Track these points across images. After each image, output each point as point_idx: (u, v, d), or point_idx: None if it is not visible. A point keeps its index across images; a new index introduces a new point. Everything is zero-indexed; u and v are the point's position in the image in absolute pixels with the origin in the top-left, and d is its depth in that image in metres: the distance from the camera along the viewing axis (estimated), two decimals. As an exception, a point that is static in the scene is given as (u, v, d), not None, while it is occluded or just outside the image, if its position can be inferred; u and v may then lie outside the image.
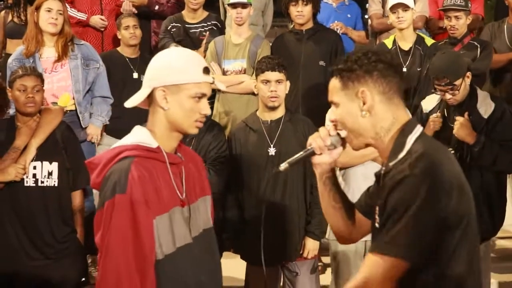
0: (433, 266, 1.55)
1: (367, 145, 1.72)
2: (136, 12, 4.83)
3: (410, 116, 1.69)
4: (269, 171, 3.11)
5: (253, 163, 3.16)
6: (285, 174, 3.06)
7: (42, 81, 3.15)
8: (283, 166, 1.81)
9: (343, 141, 1.78)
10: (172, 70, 1.82)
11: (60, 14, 3.74)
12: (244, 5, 4.06)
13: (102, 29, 4.71)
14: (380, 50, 1.73)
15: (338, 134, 1.77)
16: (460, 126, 3.06)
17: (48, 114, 3.14)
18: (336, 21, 4.76)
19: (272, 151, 3.14)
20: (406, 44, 4.01)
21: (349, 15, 4.94)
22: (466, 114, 3.11)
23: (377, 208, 1.66)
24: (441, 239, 1.53)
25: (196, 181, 1.96)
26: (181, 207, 1.85)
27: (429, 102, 3.35)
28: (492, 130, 3.13)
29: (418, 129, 1.67)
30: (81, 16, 4.68)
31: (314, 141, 1.79)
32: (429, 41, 4.09)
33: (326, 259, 3.67)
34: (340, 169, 3.26)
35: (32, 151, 3.02)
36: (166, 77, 1.82)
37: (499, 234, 3.67)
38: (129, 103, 1.88)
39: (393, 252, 1.53)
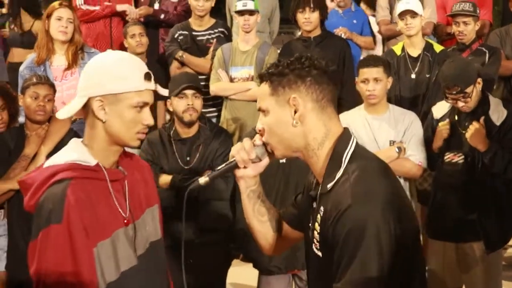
0: None
1: (294, 154, 1.59)
2: (142, 20, 4.86)
3: (342, 127, 1.58)
4: (280, 179, 3.10)
5: (264, 171, 3.14)
6: (296, 181, 3.05)
7: (54, 91, 3.17)
8: (202, 180, 1.67)
9: (269, 154, 1.64)
10: (110, 77, 1.62)
11: (70, 22, 3.76)
12: (251, 12, 4.06)
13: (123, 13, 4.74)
14: (315, 56, 1.59)
15: (264, 145, 1.62)
16: (474, 133, 3.02)
17: (57, 122, 3.16)
18: (340, 27, 4.76)
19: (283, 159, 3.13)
20: (415, 50, 3.99)
21: (355, 21, 4.96)
22: (482, 120, 3.07)
23: (315, 232, 1.55)
24: (399, 263, 1.42)
25: (142, 193, 1.79)
26: (125, 226, 1.69)
27: (440, 109, 3.33)
28: (504, 137, 3.10)
29: (352, 143, 1.55)
30: (106, 3, 4.71)
31: (238, 153, 1.64)
32: (437, 47, 4.07)
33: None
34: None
35: (41, 159, 3.04)
36: (103, 85, 1.62)
37: (510, 242, 3.64)
38: (62, 114, 1.70)
39: None
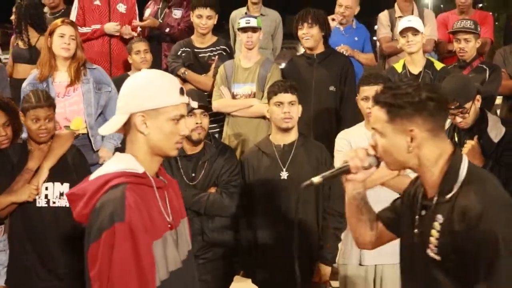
0: None
1: (405, 169, 1.78)
2: (135, 35, 4.90)
3: (453, 147, 1.75)
4: (281, 196, 3.11)
5: (266, 187, 3.16)
6: (297, 197, 3.05)
7: (54, 108, 3.18)
8: (316, 179, 1.82)
9: (379, 161, 1.81)
10: (150, 94, 1.79)
11: (73, 39, 3.80)
12: (254, 29, 4.09)
13: (117, 34, 4.79)
14: (430, 85, 1.76)
15: (376, 156, 1.79)
16: (470, 150, 3.05)
17: (60, 138, 3.19)
18: (342, 44, 4.79)
19: (284, 175, 3.14)
20: (416, 68, 4.02)
21: (356, 38, 4.98)
22: (475, 138, 3.10)
23: (431, 238, 1.69)
24: None
25: (177, 204, 1.95)
26: (170, 230, 1.84)
27: None
28: (502, 154, 3.11)
29: (465, 158, 1.72)
30: (94, 26, 4.76)
31: (352, 160, 1.81)
32: (438, 65, 4.11)
33: (335, 283, 3.65)
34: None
35: (44, 173, 3.06)
36: (144, 101, 1.79)
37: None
38: (105, 130, 1.84)
39: None
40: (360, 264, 3.18)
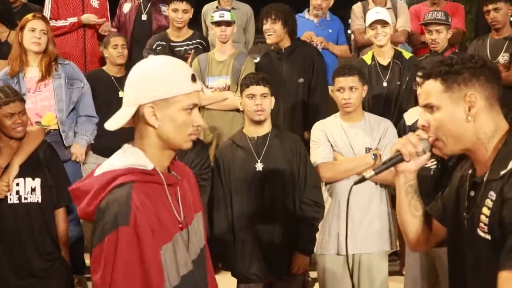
0: None
1: (462, 151, 1.68)
2: (114, 31, 4.85)
3: (508, 124, 1.67)
4: (257, 187, 3.11)
5: (241, 180, 3.15)
6: (273, 190, 3.07)
7: (24, 102, 3.15)
8: (368, 174, 1.72)
9: (432, 146, 1.70)
10: (159, 83, 1.62)
11: (44, 33, 3.76)
12: (228, 23, 4.08)
13: (94, 23, 4.75)
14: (483, 56, 1.74)
15: (427, 140, 1.69)
16: None
17: (30, 134, 3.14)
18: (316, 37, 4.80)
19: (259, 166, 3.14)
20: (385, 59, 4.03)
21: (330, 30, 4.99)
22: None
23: (482, 216, 1.61)
24: None
25: (191, 198, 1.80)
26: (180, 230, 1.68)
27: (411, 115, 3.38)
28: None
29: None
30: (71, 20, 4.70)
31: (404, 147, 1.71)
32: (407, 54, 4.13)
33: (314, 274, 3.66)
34: (326, 184, 3.28)
35: (15, 169, 3.02)
36: (153, 91, 1.61)
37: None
38: (112, 125, 1.66)
39: None
40: (338, 254, 3.20)
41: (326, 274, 3.26)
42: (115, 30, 4.90)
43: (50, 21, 4.67)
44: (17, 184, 3.03)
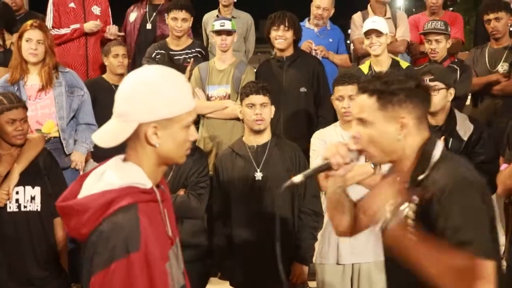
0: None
1: (389, 162, 1.79)
2: (122, 34, 4.85)
3: (429, 132, 1.77)
4: (256, 195, 3.10)
5: (240, 188, 3.15)
6: (272, 199, 3.06)
7: (26, 109, 3.15)
8: (297, 179, 1.77)
9: (360, 155, 1.79)
10: (163, 102, 1.53)
11: (41, 43, 3.73)
12: (229, 32, 4.09)
13: (96, 30, 4.73)
14: (416, 73, 1.80)
15: (357, 149, 1.76)
16: None
17: (31, 141, 3.14)
18: (317, 45, 4.81)
19: (259, 175, 3.14)
20: (382, 68, 3.99)
21: (331, 40, 5.00)
22: (442, 139, 3.14)
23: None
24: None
25: (171, 211, 1.74)
26: (171, 246, 1.64)
27: None
28: (471, 152, 3.16)
29: (439, 143, 1.75)
30: (74, 26, 4.70)
31: (334, 157, 1.76)
32: (404, 64, 4.13)
33: (313, 284, 3.65)
34: (325, 193, 3.28)
35: (15, 177, 3.01)
36: (157, 110, 1.52)
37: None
38: (107, 142, 1.55)
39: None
40: (337, 263, 3.19)
41: (326, 284, 3.25)
42: (122, 34, 4.89)
43: (53, 30, 4.69)
44: (17, 193, 3.02)
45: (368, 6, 5.04)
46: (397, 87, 1.69)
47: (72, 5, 4.80)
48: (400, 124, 1.69)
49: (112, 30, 4.77)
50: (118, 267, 1.45)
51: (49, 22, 4.75)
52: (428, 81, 3.15)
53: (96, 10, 4.86)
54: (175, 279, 1.61)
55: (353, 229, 1.99)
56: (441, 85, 3.15)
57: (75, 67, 4.60)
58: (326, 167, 1.80)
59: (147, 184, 1.57)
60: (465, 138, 3.17)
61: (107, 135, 1.57)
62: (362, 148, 1.75)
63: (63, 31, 4.73)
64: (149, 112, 1.53)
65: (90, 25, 4.74)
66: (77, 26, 4.73)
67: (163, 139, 1.56)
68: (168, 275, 1.55)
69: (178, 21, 4.38)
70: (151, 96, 1.53)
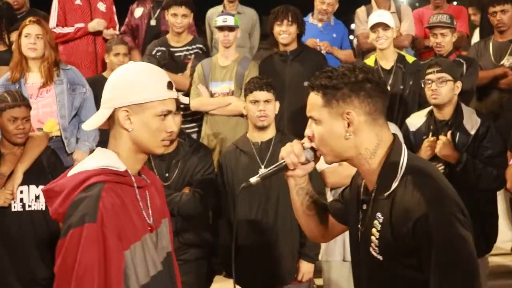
0: None
1: (342, 161, 1.66)
2: (118, 34, 4.83)
3: (392, 136, 1.63)
4: (261, 194, 3.07)
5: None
6: (277, 195, 3.03)
7: (30, 108, 3.14)
8: (254, 179, 1.75)
9: (316, 155, 1.71)
10: (134, 88, 1.69)
11: (40, 38, 3.70)
12: (231, 28, 4.06)
13: (101, 29, 4.72)
14: (367, 67, 1.65)
15: (313, 149, 1.69)
16: (443, 147, 3.06)
17: (34, 140, 3.13)
18: (322, 43, 4.77)
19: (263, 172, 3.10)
20: (388, 63, 3.98)
21: (334, 35, 4.97)
22: (449, 134, 3.11)
23: (372, 237, 1.59)
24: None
25: (158, 203, 1.86)
26: (150, 233, 1.74)
27: (415, 119, 3.35)
28: (478, 146, 3.14)
29: (405, 151, 1.60)
30: (78, 25, 4.69)
31: (288, 157, 1.71)
32: (410, 58, 4.09)
33: (319, 281, 3.62)
34: (331, 189, 3.24)
35: (19, 176, 3.00)
36: (128, 96, 1.68)
37: (493, 251, 3.64)
38: (88, 126, 1.74)
39: None
40: (344, 260, 3.16)
41: (332, 281, 3.22)
42: (117, 32, 4.87)
43: (57, 28, 4.69)
44: (21, 192, 3.02)
45: (372, 0, 5.00)
46: (340, 81, 1.57)
47: (78, 2, 4.81)
48: (347, 120, 1.57)
49: (109, 32, 4.76)
50: (73, 234, 1.57)
51: (53, 20, 4.75)
52: (435, 72, 3.12)
53: (101, 6, 4.86)
54: (150, 263, 1.71)
55: (325, 233, 1.91)
56: (448, 76, 3.13)
57: (84, 65, 4.62)
58: (283, 167, 1.74)
59: (121, 167, 1.69)
60: (472, 132, 3.15)
61: (90, 120, 1.75)
62: (316, 148, 1.67)
63: (67, 29, 4.72)
64: (122, 97, 1.69)
65: (94, 24, 4.72)
66: (81, 25, 4.72)
67: (136, 124, 1.69)
68: (122, 255, 1.61)
69: (178, 17, 4.36)
70: (125, 84, 1.70)
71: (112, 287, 1.59)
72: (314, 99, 1.63)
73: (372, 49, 4.67)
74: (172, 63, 4.39)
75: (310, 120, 1.66)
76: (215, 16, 4.36)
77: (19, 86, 3.69)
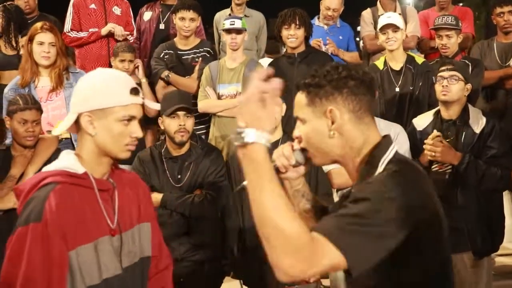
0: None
1: (333, 162, 1.63)
2: (127, 33, 4.86)
3: (381, 136, 1.59)
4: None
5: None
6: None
7: (41, 112, 3.16)
8: (246, 183, 1.72)
9: (306, 157, 1.66)
10: (96, 94, 1.73)
11: (53, 45, 3.72)
12: (239, 31, 4.09)
13: (113, 33, 4.74)
14: (352, 65, 1.63)
15: (303, 150, 1.64)
16: (443, 151, 3.06)
17: (44, 142, 3.15)
18: (328, 40, 4.79)
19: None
20: (397, 64, 3.99)
21: (341, 37, 4.99)
22: (438, 139, 3.09)
23: None
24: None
25: (134, 208, 1.86)
26: (111, 236, 1.76)
27: (422, 120, 3.36)
28: (483, 146, 3.14)
29: (392, 149, 1.55)
30: (92, 30, 4.73)
31: (278, 159, 1.68)
32: (419, 59, 4.09)
33: (326, 281, 3.64)
34: (337, 190, 3.26)
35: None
36: (90, 101, 1.73)
37: (499, 251, 3.65)
38: (57, 131, 1.83)
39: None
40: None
41: (339, 281, 3.24)
42: (127, 33, 4.90)
43: (71, 32, 4.71)
44: None
45: (378, 2, 5.02)
46: (323, 79, 1.55)
47: (93, 6, 4.82)
48: (330, 118, 1.54)
49: (118, 32, 4.79)
50: (18, 233, 1.64)
51: (68, 24, 4.77)
52: (448, 70, 3.14)
53: (116, 10, 4.88)
54: (104, 266, 1.73)
55: None
56: (460, 76, 3.16)
57: (97, 67, 4.62)
58: (274, 170, 1.67)
59: (79, 170, 1.74)
60: (478, 132, 3.15)
61: (61, 124, 1.81)
62: (305, 148, 1.63)
63: (81, 34, 4.75)
64: (84, 103, 1.74)
65: (108, 28, 4.73)
66: (95, 30, 4.74)
67: (99, 129, 1.74)
68: (65, 256, 1.64)
69: (185, 21, 4.39)
70: (88, 89, 1.76)
71: (54, 286, 1.63)
72: (299, 99, 1.61)
73: (378, 51, 4.70)
74: (180, 66, 4.43)
75: (298, 121, 1.64)
76: (223, 19, 4.40)
77: (29, 90, 3.71)
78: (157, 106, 1.98)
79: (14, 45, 4.61)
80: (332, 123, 1.54)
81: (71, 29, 4.75)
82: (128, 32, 4.85)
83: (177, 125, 3.13)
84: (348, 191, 1.59)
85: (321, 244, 1.35)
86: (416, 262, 1.46)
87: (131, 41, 4.82)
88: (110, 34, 4.76)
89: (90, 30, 4.74)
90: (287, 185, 1.76)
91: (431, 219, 1.48)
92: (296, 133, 1.64)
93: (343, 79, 1.54)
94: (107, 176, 1.82)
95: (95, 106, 1.73)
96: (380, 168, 1.51)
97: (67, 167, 1.73)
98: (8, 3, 4.89)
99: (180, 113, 3.15)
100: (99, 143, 1.76)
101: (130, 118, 1.75)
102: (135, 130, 1.76)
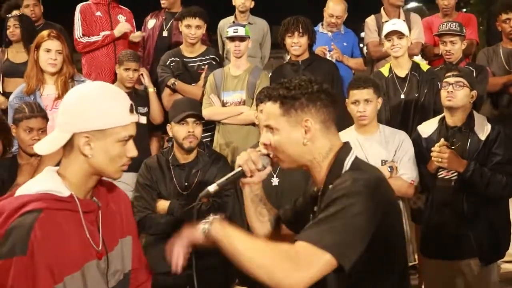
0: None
1: (300, 167, 1.77)
2: (143, 35, 4.88)
3: (342, 142, 1.77)
4: (273, 202, 3.09)
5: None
6: (289, 202, 3.04)
7: (47, 120, 3.16)
8: (212, 188, 1.80)
9: (272, 161, 1.80)
10: (96, 114, 1.60)
11: (59, 53, 3.74)
12: (242, 39, 4.11)
13: (128, 31, 4.79)
14: (319, 80, 1.78)
15: (268, 155, 1.78)
16: (448, 158, 3.05)
17: None
18: (333, 48, 4.79)
19: (275, 181, 3.14)
20: (402, 71, 4.00)
21: (345, 43, 5.00)
22: (445, 146, 3.09)
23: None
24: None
25: (117, 223, 1.78)
26: (97, 259, 1.67)
27: (427, 127, 3.36)
28: (488, 153, 3.13)
29: (353, 153, 1.74)
30: (104, 33, 4.75)
31: (245, 164, 1.80)
32: (424, 66, 4.10)
33: None
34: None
35: None
36: (90, 122, 1.60)
37: (505, 258, 3.64)
38: (43, 150, 1.65)
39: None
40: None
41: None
42: (144, 34, 4.93)
43: (83, 38, 4.74)
44: None
45: (382, 9, 5.04)
46: (298, 92, 1.70)
47: (98, 13, 4.86)
48: (305, 128, 1.70)
49: (136, 34, 4.83)
50: (3, 266, 1.50)
51: (78, 30, 4.80)
52: (453, 76, 3.14)
53: (121, 18, 4.92)
54: None
55: (279, 239, 1.86)
56: (466, 82, 3.15)
57: (104, 74, 4.66)
58: (240, 175, 1.81)
59: (64, 192, 1.61)
60: (483, 138, 3.15)
61: (46, 143, 1.67)
62: (273, 155, 1.77)
63: (94, 38, 4.77)
64: (82, 123, 1.61)
65: (120, 28, 4.76)
66: (107, 32, 4.77)
67: (96, 150, 1.63)
68: (50, 286, 1.54)
69: (191, 29, 4.41)
70: (85, 108, 1.62)
71: None
72: (272, 109, 1.73)
73: (382, 57, 4.71)
74: (186, 74, 4.45)
75: (265, 129, 1.77)
76: (227, 27, 4.42)
77: (34, 98, 3.71)
78: (143, 120, 1.85)
79: (26, 52, 4.63)
80: (306, 132, 1.70)
81: (83, 35, 4.77)
82: (144, 33, 4.87)
83: (186, 131, 3.14)
84: (316, 192, 1.76)
85: (308, 250, 1.51)
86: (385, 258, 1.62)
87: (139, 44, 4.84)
88: (123, 36, 4.78)
89: (101, 33, 4.76)
90: (247, 190, 1.90)
91: (393, 214, 1.67)
92: (264, 140, 1.77)
93: (316, 93, 1.71)
94: (90, 194, 1.71)
95: (95, 127, 1.61)
96: (346, 167, 1.69)
97: (51, 190, 1.60)
98: (20, 13, 4.93)
99: (189, 120, 3.16)
100: (94, 164, 1.64)
101: (129, 138, 1.67)
102: (131, 149, 1.68)
